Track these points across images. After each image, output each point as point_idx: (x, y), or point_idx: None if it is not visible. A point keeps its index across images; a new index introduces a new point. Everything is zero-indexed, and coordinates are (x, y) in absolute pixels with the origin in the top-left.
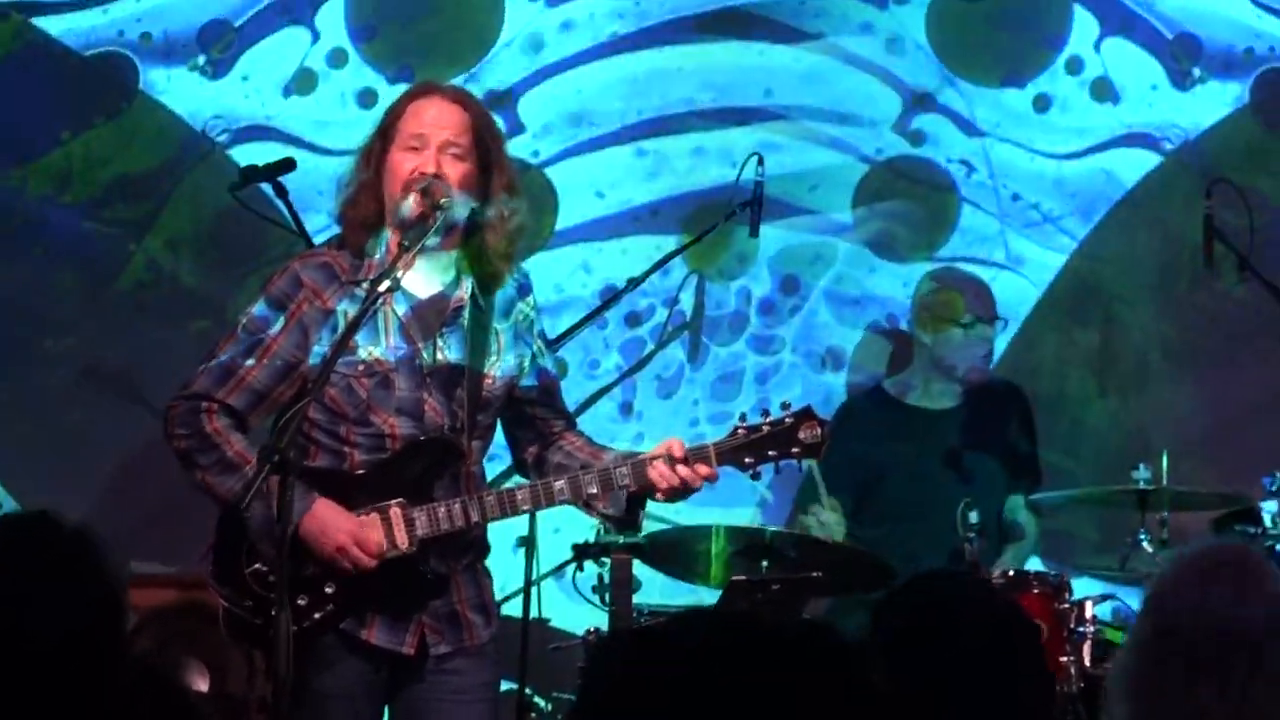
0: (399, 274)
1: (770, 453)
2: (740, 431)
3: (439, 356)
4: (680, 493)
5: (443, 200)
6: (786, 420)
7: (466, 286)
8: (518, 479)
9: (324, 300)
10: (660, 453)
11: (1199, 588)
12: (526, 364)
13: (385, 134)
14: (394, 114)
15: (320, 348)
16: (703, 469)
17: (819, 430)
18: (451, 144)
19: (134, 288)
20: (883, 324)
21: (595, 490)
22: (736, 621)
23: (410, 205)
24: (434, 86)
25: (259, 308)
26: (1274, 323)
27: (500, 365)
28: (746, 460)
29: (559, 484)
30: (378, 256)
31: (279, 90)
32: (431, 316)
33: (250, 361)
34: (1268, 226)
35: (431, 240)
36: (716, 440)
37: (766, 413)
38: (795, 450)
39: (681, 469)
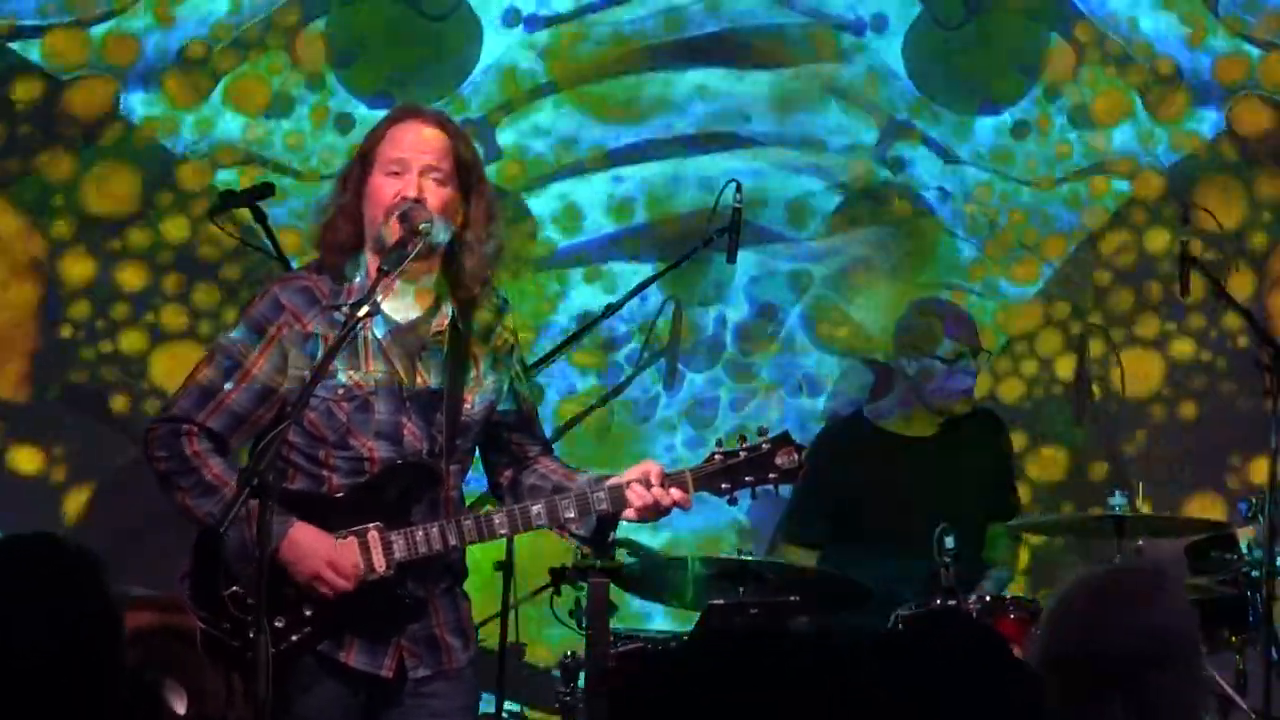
0: (379, 298)
1: (747, 478)
2: (717, 457)
3: (418, 381)
4: (653, 514)
5: (423, 225)
6: (763, 446)
7: (446, 311)
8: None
9: (304, 324)
10: (637, 476)
11: (1087, 614)
12: (505, 388)
13: (365, 158)
14: (374, 138)
15: (298, 371)
16: (677, 493)
17: (796, 456)
18: (432, 169)
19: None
20: (859, 351)
21: (572, 514)
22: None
23: (391, 230)
24: (414, 110)
25: (238, 331)
26: (1249, 351)
27: (480, 390)
28: (723, 486)
29: (536, 508)
30: (358, 280)
31: (258, 115)
32: (411, 341)
33: (229, 385)
34: (1238, 253)
35: (411, 265)
36: (693, 466)
37: (744, 438)
38: (772, 476)
39: (657, 491)
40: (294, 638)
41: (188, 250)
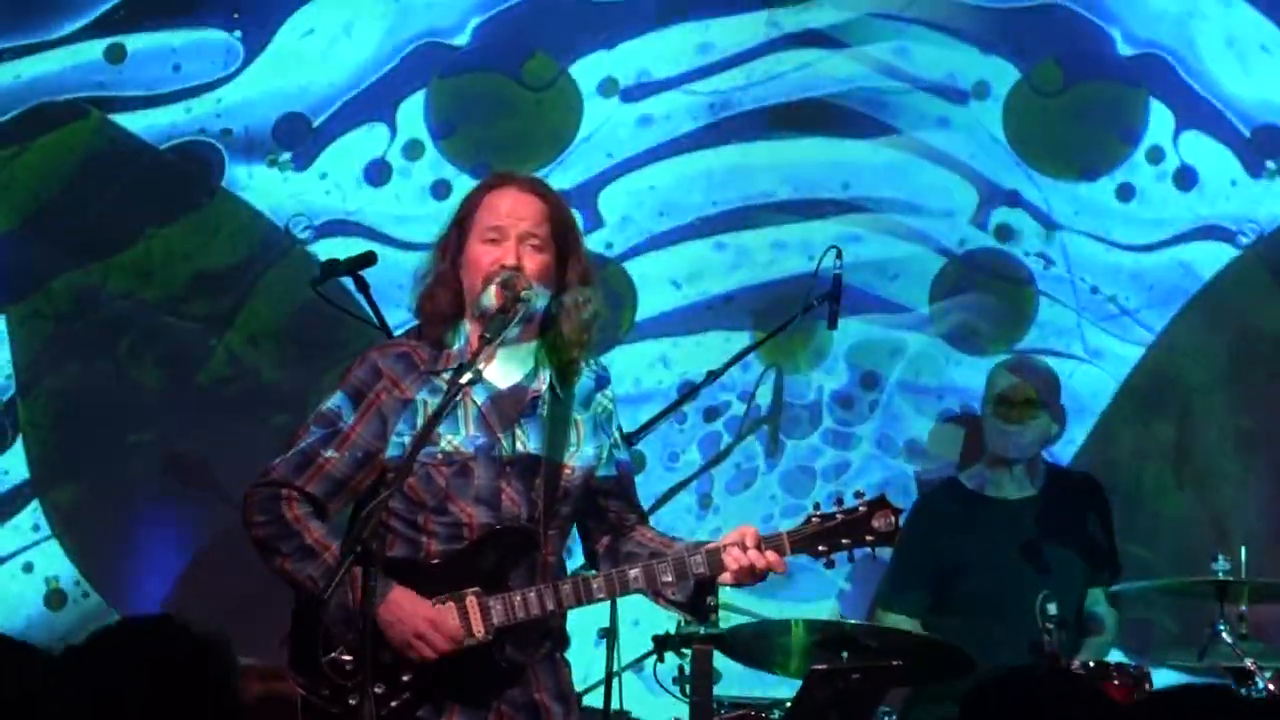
0: (481, 366)
1: (844, 541)
2: (814, 520)
3: (518, 447)
4: (750, 577)
5: (524, 292)
6: (860, 509)
7: (544, 377)
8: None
9: (403, 390)
10: (734, 539)
11: None
12: (604, 455)
13: (462, 225)
14: (470, 205)
15: (399, 437)
16: (773, 556)
17: (893, 518)
18: (530, 235)
19: (214, 382)
20: (956, 412)
21: (670, 578)
22: None
23: (491, 297)
24: (510, 177)
25: (337, 397)
26: None
27: (579, 456)
28: (820, 548)
29: (634, 572)
30: (457, 347)
31: (358, 185)
32: (510, 407)
33: (329, 450)
34: None
35: (512, 331)
36: (790, 529)
37: (840, 501)
38: (869, 538)
39: (753, 554)
40: (393, 704)
41: (289, 321)
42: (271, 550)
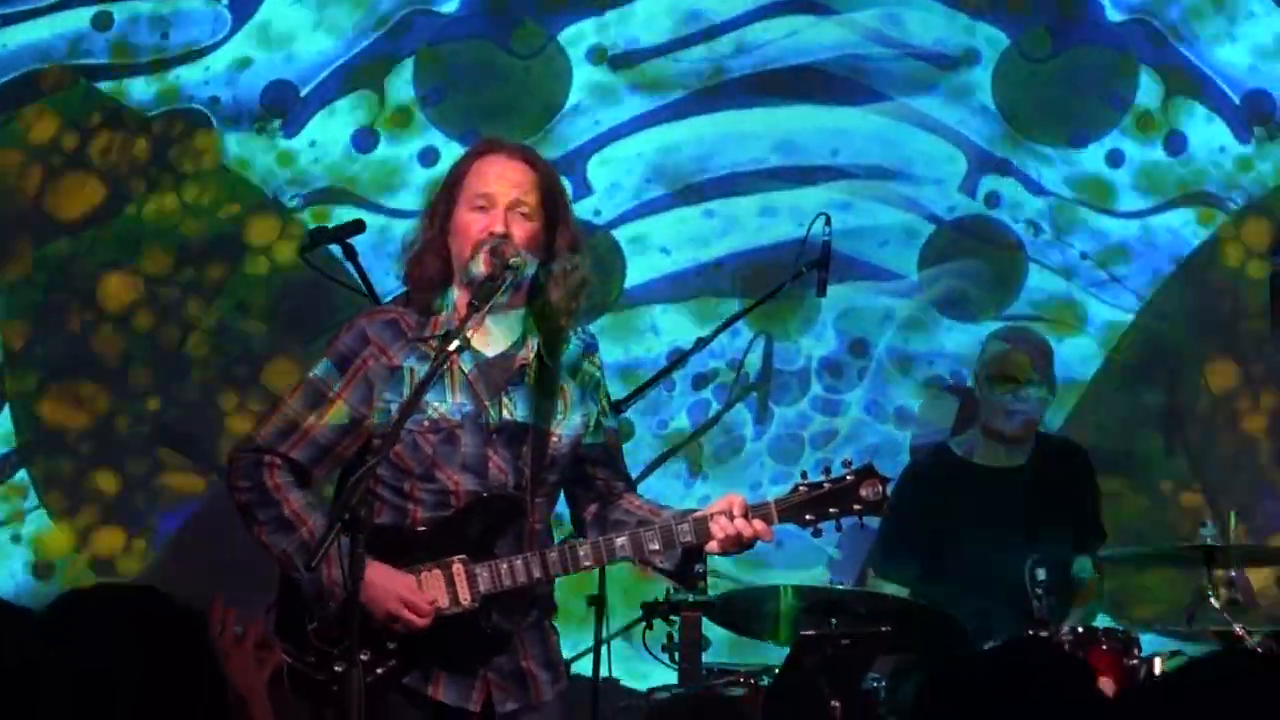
0: (468, 333)
1: (831, 510)
2: (802, 489)
3: (505, 414)
4: (737, 546)
5: (512, 260)
6: (848, 478)
7: (532, 345)
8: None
9: (390, 357)
10: (722, 508)
11: None
12: (591, 423)
13: (450, 192)
14: (459, 172)
15: (385, 404)
16: (760, 525)
17: (880, 487)
18: (519, 203)
19: (202, 351)
20: (947, 380)
21: (656, 546)
22: None
23: (480, 264)
24: (499, 144)
25: (324, 364)
26: None
27: (567, 423)
28: (807, 517)
29: (620, 540)
30: (444, 314)
31: (346, 153)
32: (497, 374)
33: (314, 417)
34: None
35: (500, 299)
36: (778, 497)
37: (828, 470)
38: (857, 507)
39: (740, 523)
40: (379, 671)
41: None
42: (251, 518)
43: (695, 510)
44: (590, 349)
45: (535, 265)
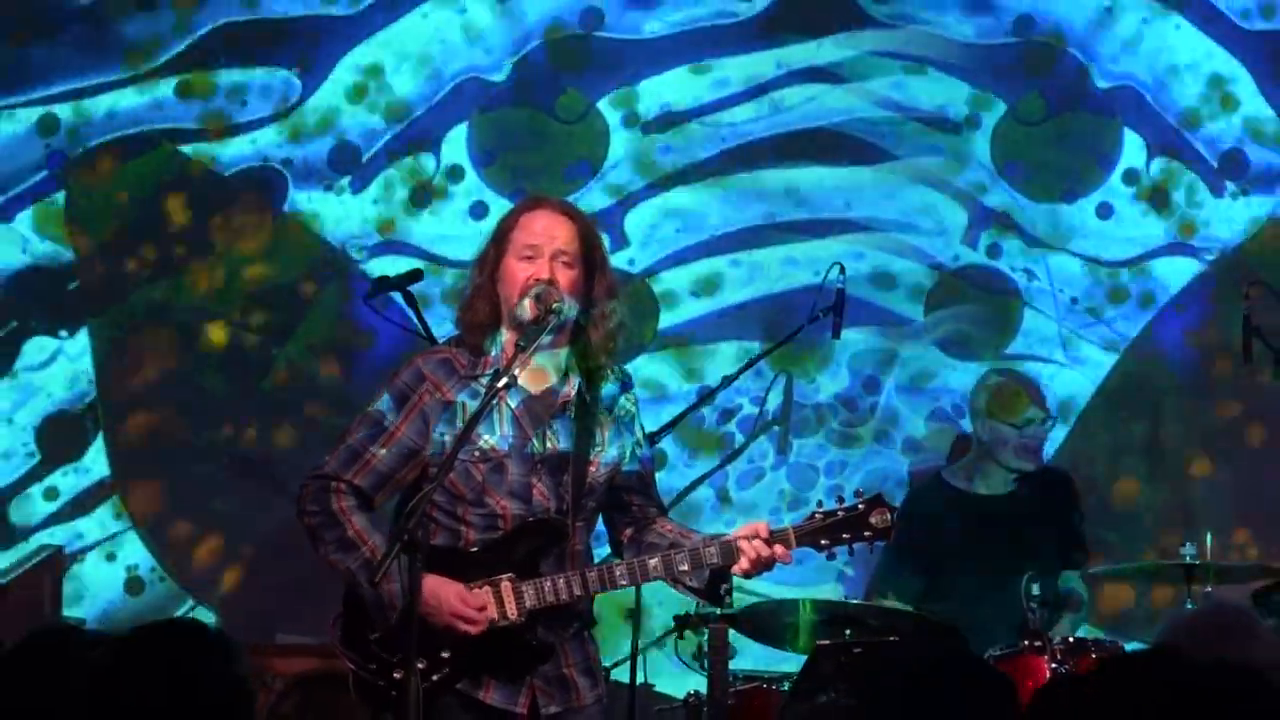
0: (516, 372)
1: (844, 535)
2: (817, 516)
3: (548, 445)
4: (761, 568)
5: (555, 304)
6: (859, 506)
7: (574, 382)
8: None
9: (444, 392)
10: (746, 534)
11: (1191, 640)
12: (627, 454)
13: (499, 243)
14: (507, 225)
15: (439, 436)
16: (780, 549)
17: (888, 515)
18: (562, 252)
19: (276, 388)
20: (949, 413)
21: (685, 567)
22: None
23: (526, 309)
24: (544, 199)
25: (384, 399)
26: None
27: (605, 454)
28: (822, 542)
29: (653, 561)
30: (494, 353)
31: (406, 208)
32: (541, 409)
33: (376, 447)
34: None
35: (544, 340)
36: (796, 524)
37: (841, 499)
38: (867, 534)
39: (761, 546)
40: (435, 677)
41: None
42: (318, 539)
43: (722, 535)
44: (626, 386)
45: (576, 309)
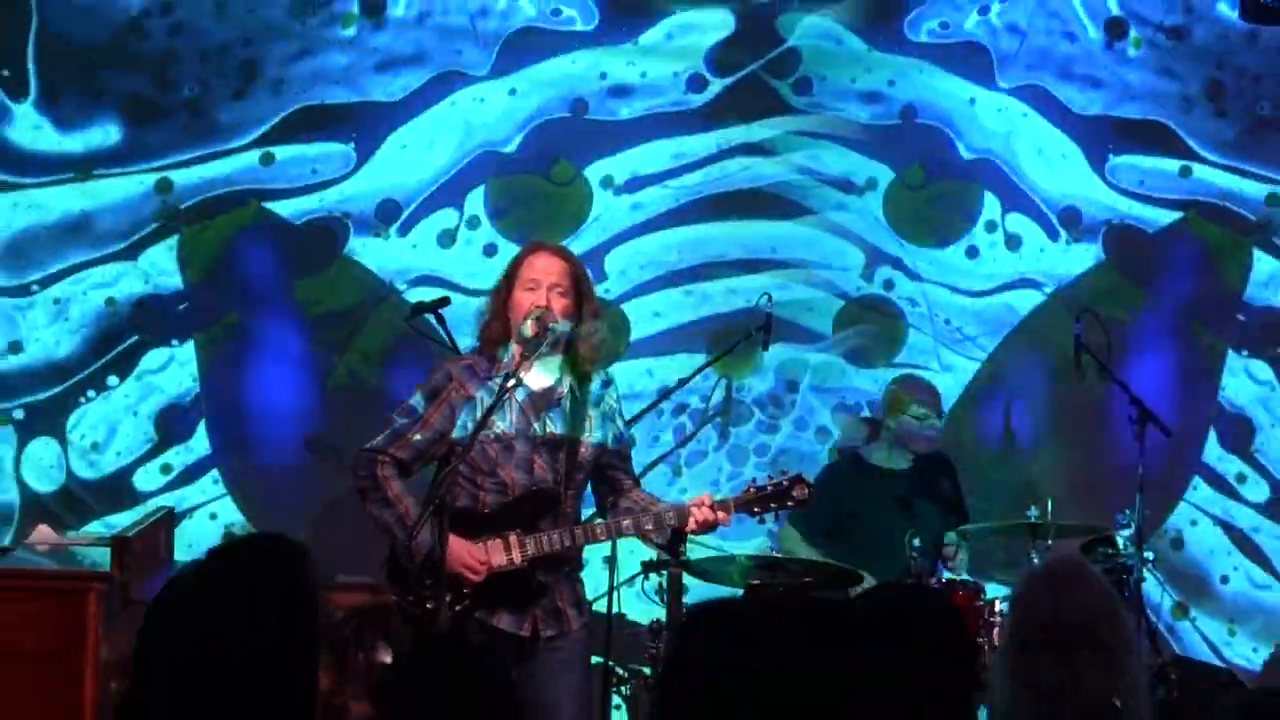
0: (521, 374)
1: (772, 505)
2: (751, 490)
3: (547, 430)
4: (706, 528)
5: (552, 325)
6: (784, 482)
7: (566, 382)
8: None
9: (467, 389)
10: (696, 503)
11: (1046, 590)
12: (612, 441)
13: (509, 278)
14: (515, 263)
15: (462, 422)
16: (722, 515)
17: (807, 490)
18: (557, 285)
19: (338, 388)
20: (853, 408)
21: (650, 527)
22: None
23: (529, 328)
24: (543, 244)
25: (419, 393)
26: (1123, 409)
27: (592, 437)
28: (755, 509)
29: (626, 522)
30: (505, 360)
31: (436, 250)
32: (541, 402)
33: (412, 429)
34: (1118, 341)
35: (544, 350)
36: (735, 495)
37: (771, 477)
38: (790, 503)
39: (708, 512)
40: (458, 608)
41: (389, 344)
42: (365, 497)
43: (678, 503)
44: (608, 384)
45: (568, 327)
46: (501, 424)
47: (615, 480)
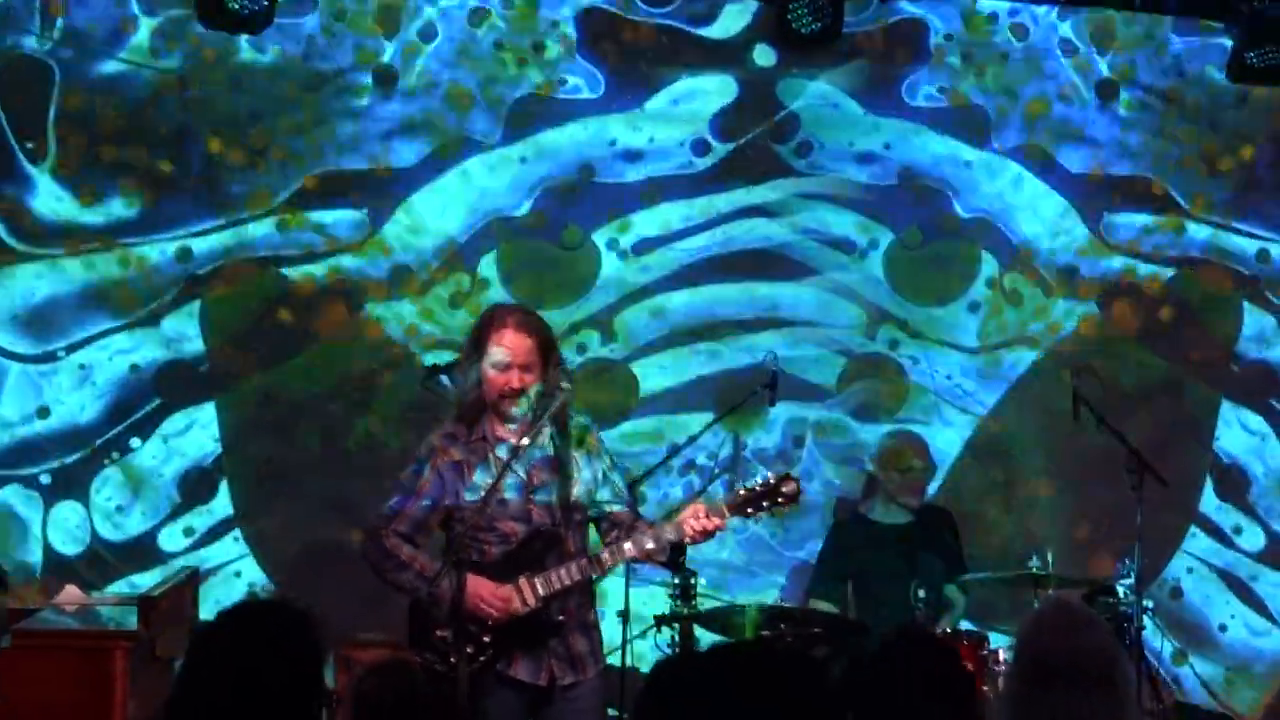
0: (511, 441)
1: (764, 504)
2: (741, 492)
3: (535, 480)
4: (703, 536)
5: (521, 399)
6: (771, 480)
7: (546, 433)
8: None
9: (451, 455)
10: (690, 514)
11: (1054, 628)
12: (599, 476)
13: (479, 351)
14: (484, 335)
15: (452, 485)
16: (716, 520)
17: (795, 485)
18: (524, 365)
19: (357, 448)
20: (853, 461)
21: (650, 545)
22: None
23: (505, 406)
24: (507, 317)
25: (411, 468)
26: (1121, 460)
27: (581, 479)
28: (748, 510)
29: (626, 545)
30: (484, 426)
31: (449, 312)
32: (527, 456)
33: (409, 504)
34: (1114, 394)
35: (517, 412)
36: (726, 498)
37: (759, 478)
38: (780, 500)
39: (704, 520)
40: (480, 659)
41: (406, 405)
42: (380, 569)
43: (673, 517)
44: (587, 428)
45: (538, 389)
46: (490, 480)
47: (612, 513)
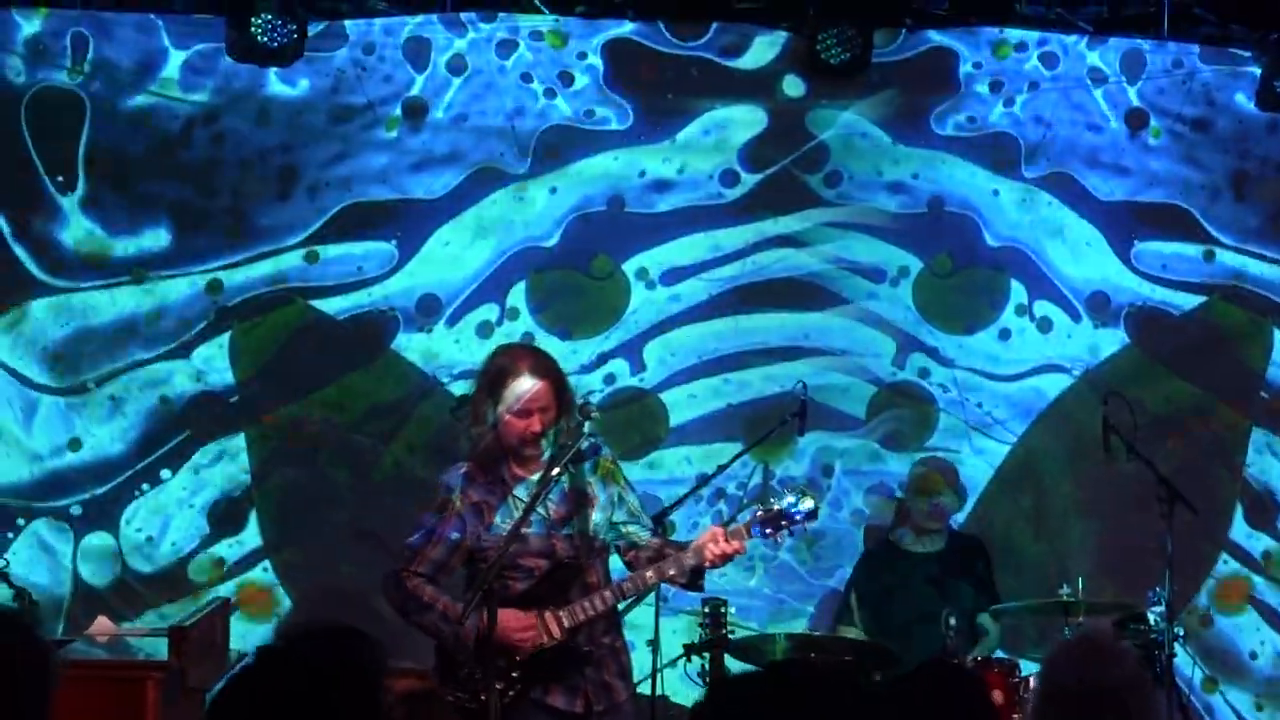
0: (532, 479)
1: (782, 523)
2: (759, 513)
3: (553, 513)
4: (724, 560)
5: (541, 441)
6: (789, 498)
7: (561, 466)
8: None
9: (469, 496)
10: (709, 538)
11: (1076, 661)
12: (616, 500)
13: (494, 396)
14: (498, 382)
15: (472, 528)
16: (736, 543)
17: (812, 502)
18: (542, 407)
19: (385, 479)
20: (890, 492)
21: (673, 571)
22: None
23: (522, 452)
24: (523, 361)
25: (430, 510)
26: (1151, 488)
27: (598, 507)
28: (767, 531)
29: (648, 573)
30: (502, 468)
31: (478, 343)
32: (545, 492)
33: (428, 545)
34: (1145, 424)
35: (532, 452)
36: (745, 521)
37: (775, 499)
38: (799, 518)
39: (722, 544)
40: (511, 693)
41: (434, 435)
42: (405, 611)
43: (694, 541)
44: (597, 451)
45: (556, 430)
46: (510, 522)
47: (633, 537)
